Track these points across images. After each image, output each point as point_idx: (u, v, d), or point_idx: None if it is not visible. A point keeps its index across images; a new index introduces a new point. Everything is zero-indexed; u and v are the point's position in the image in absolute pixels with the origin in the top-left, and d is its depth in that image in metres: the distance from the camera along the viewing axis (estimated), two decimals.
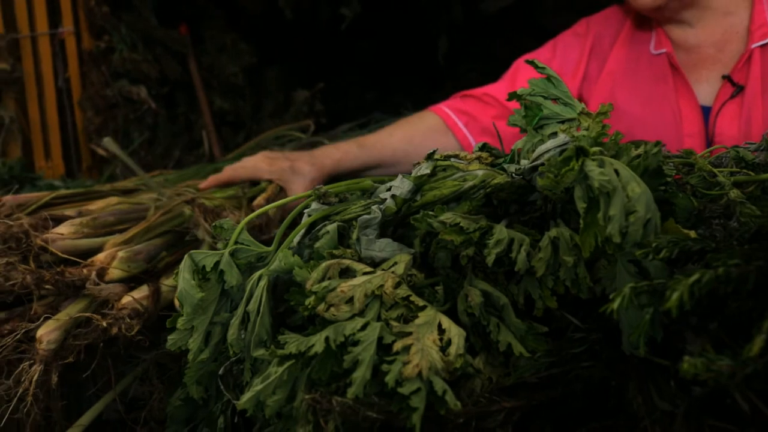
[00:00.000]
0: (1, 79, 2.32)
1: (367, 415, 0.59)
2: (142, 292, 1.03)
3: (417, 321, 0.66)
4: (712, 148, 1.00)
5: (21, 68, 2.43)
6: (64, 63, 2.69)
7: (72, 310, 0.96)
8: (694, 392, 0.61)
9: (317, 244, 0.77)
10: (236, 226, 0.81)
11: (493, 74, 3.48)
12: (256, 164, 1.34)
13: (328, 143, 1.68)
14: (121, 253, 1.07)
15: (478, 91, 1.54)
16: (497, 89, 1.52)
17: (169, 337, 0.77)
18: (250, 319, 0.74)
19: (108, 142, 1.88)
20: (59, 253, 1.04)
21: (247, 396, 0.65)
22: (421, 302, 0.69)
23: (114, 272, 1.05)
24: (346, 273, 0.71)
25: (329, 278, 0.71)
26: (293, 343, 0.66)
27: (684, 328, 0.63)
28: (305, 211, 0.82)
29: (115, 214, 1.19)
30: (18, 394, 0.89)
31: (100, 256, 1.07)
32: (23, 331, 0.92)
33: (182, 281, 0.75)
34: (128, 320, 0.96)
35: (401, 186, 0.79)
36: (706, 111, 1.42)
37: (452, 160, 0.85)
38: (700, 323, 0.63)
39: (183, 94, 2.70)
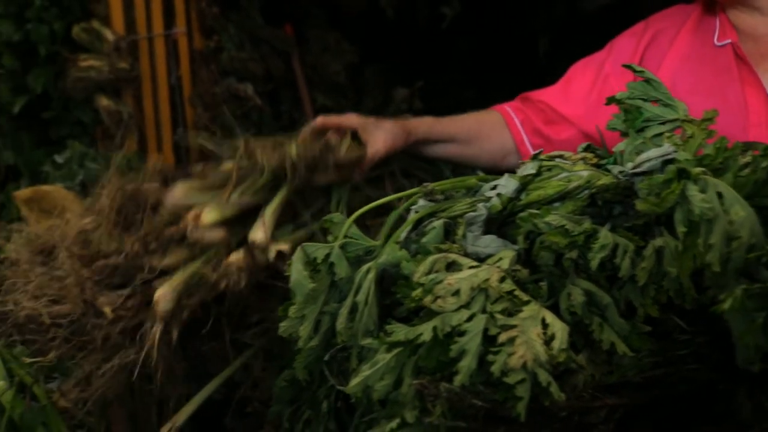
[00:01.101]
0: (121, 77, 2.48)
1: (473, 403, 0.61)
2: (240, 254, 1.10)
3: (521, 314, 0.68)
4: None
5: (138, 67, 2.59)
6: (177, 62, 2.83)
7: (184, 273, 1.03)
8: None
9: (423, 239, 0.80)
10: (346, 221, 0.85)
11: None
12: (347, 115, 1.42)
13: None
14: (213, 203, 1.15)
15: (535, 95, 1.55)
16: (550, 94, 1.52)
17: (281, 324, 0.82)
18: (358, 309, 0.78)
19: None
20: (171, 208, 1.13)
21: (356, 381, 0.69)
22: (525, 297, 0.71)
23: (208, 216, 1.13)
24: (452, 267, 0.74)
25: (436, 271, 0.74)
26: (401, 331, 0.69)
27: None
28: (412, 207, 0.85)
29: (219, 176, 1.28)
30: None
31: (196, 208, 1.15)
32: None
33: (295, 272, 0.79)
34: (235, 276, 1.02)
35: (507, 185, 0.81)
36: None
37: (557, 160, 0.86)
38: None
39: (287, 91, 2.79)
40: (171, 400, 1.14)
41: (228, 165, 1.33)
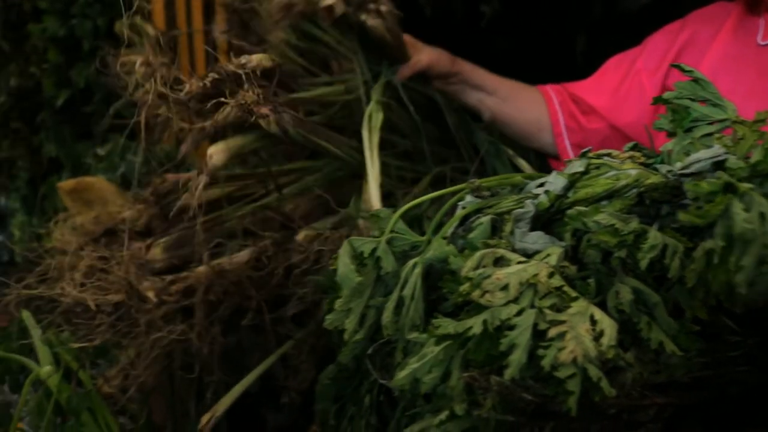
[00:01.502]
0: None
1: (522, 397, 0.62)
2: None
3: (570, 310, 0.68)
4: None
5: (178, 63, 2.62)
6: (216, 60, 2.88)
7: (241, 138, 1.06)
8: None
9: (470, 235, 0.80)
10: (392, 215, 0.85)
11: None
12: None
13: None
14: None
15: (569, 86, 1.54)
16: (582, 86, 1.53)
17: (326, 317, 0.83)
18: (404, 303, 0.78)
19: None
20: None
21: (403, 374, 0.69)
22: (573, 293, 0.71)
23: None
24: (500, 262, 0.74)
25: (483, 267, 0.74)
26: (449, 325, 0.70)
27: None
28: (459, 203, 0.85)
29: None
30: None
31: None
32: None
33: (342, 265, 0.80)
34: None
35: (555, 182, 0.81)
36: None
37: (605, 158, 0.86)
38: None
39: None
40: (209, 390, 1.16)
41: None
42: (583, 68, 3.43)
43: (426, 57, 1.40)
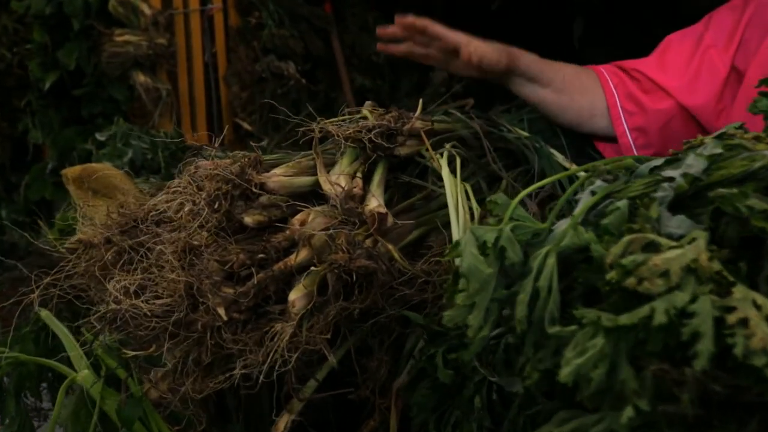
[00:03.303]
0: (159, 53, 2.40)
1: (712, 388, 0.57)
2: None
3: (735, 296, 0.64)
4: None
5: (175, 43, 2.51)
6: (212, 39, 2.76)
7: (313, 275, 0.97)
8: None
9: (605, 221, 0.74)
10: (510, 202, 0.79)
11: (618, 60, 3.35)
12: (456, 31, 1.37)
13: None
14: (315, 209, 1.07)
15: (627, 64, 1.50)
16: (645, 64, 1.47)
17: (445, 314, 0.76)
18: (539, 296, 0.72)
19: None
20: (275, 191, 1.05)
21: (567, 370, 0.63)
22: (731, 277, 0.66)
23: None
24: (650, 248, 0.69)
25: (630, 253, 0.69)
26: (607, 317, 0.64)
27: None
28: (590, 188, 0.79)
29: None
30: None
31: (298, 217, 1.07)
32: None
33: (469, 256, 0.73)
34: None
35: (695, 164, 0.75)
36: None
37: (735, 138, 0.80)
38: None
39: (324, 71, 2.72)
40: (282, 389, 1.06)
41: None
42: (580, 54, 3.42)
43: (486, 51, 1.32)
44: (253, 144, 1.35)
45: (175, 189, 1.23)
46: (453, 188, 1.09)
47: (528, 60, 1.41)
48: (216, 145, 2.53)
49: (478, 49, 1.32)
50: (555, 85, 1.42)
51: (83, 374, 1.14)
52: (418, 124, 1.24)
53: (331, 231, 0.95)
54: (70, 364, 1.23)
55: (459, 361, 0.90)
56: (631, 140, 1.41)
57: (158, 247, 1.01)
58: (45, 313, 1.33)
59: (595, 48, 3.43)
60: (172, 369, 1.03)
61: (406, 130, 1.21)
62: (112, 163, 1.96)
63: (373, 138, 1.14)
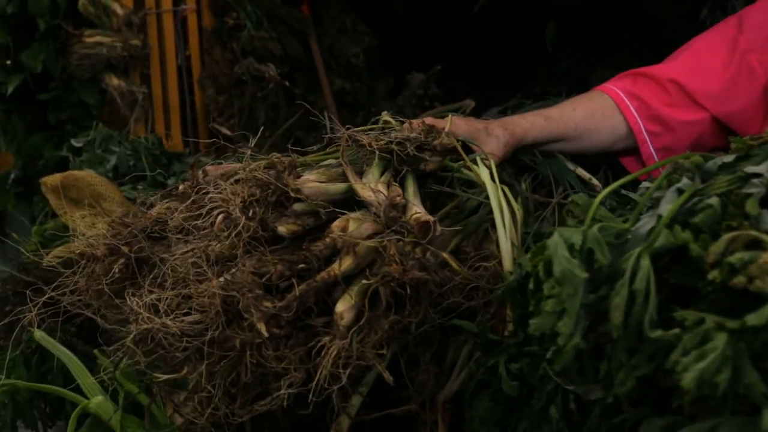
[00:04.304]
0: (133, 54, 2.29)
1: None
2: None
3: None
4: None
5: (149, 45, 2.40)
6: (185, 41, 2.65)
7: (356, 288, 0.91)
8: None
9: (696, 219, 0.71)
10: (592, 202, 0.75)
11: (588, 62, 3.37)
12: (454, 120, 1.29)
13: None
14: (353, 215, 1.01)
15: (656, 71, 1.42)
16: (677, 70, 1.40)
17: (531, 321, 0.71)
18: (635, 299, 0.68)
19: None
20: (311, 197, 0.99)
21: (690, 375, 0.60)
22: None
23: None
24: (752, 246, 0.66)
25: (731, 251, 0.66)
26: (729, 319, 0.61)
27: None
28: (677, 186, 0.76)
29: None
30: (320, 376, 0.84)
31: (337, 223, 1.01)
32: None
33: (561, 260, 0.69)
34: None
35: None
36: None
37: None
38: None
39: (302, 74, 2.65)
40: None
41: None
42: (553, 56, 3.43)
43: (496, 153, 1.27)
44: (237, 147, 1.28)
45: (187, 196, 1.16)
46: (496, 193, 1.05)
47: (535, 131, 1.35)
48: (191, 150, 2.42)
49: (492, 149, 1.27)
50: (570, 137, 1.38)
51: (97, 401, 1.05)
52: (445, 140, 1.20)
53: (383, 241, 0.89)
54: (75, 390, 1.14)
55: (523, 371, 0.86)
56: (657, 160, 1.39)
57: (191, 259, 0.94)
58: (39, 335, 1.23)
59: (568, 51, 3.47)
60: (205, 392, 0.96)
61: (438, 145, 1.17)
62: (93, 170, 1.86)
63: (402, 151, 1.10)
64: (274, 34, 2.49)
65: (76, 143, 1.99)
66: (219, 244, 0.95)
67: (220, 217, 0.96)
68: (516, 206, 1.07)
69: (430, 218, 0.94)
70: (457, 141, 1.23)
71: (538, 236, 1.12)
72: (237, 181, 1.01)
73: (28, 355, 1.35)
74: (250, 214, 0.95)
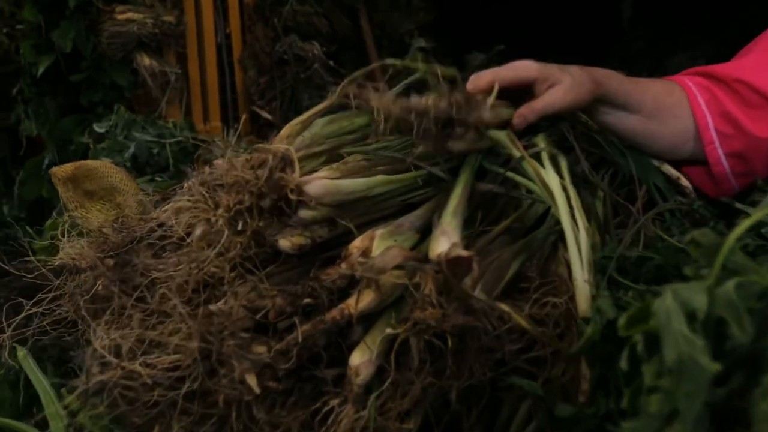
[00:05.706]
0: (166, 32, 2.11)
1: None
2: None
3: None
4: None
5: (185, 22, 2.22)
6: (225, 18, 2.47)
7: (377, 333, 0.68)
8: None
9: None
10: (720, 242, 0.49)
11: (664, 45, 3.05)
12: (524, 61, 1.03)
13: None
14: (379, 232, 0.78)
15: (720, 71, 1.15)
16: (745, 69, 1.14)
17: (625, 426, 0.47)
18: None
19: None
20: (318, 199, 0.76)
21: None
22: None
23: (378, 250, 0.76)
24: None
25: None
26: None
27: None
28: None
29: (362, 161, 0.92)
30: None
31: (356, 243, 0.78)
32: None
33: (678, 341, 0.44)
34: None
35: None
36: None
37: None
38: None
39: (350, 53, 2.43)
40: None
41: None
42: (630, 35, 3.13)
43: (561, 96, 1.00)
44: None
45: (181, 198, 0.95)
46: (565, 203, 0.79)
47: (615, 84, 1.08)
48: (232, 137, 2.21)
49: (548, 105, 1.00)
50: (646, 110, 1.10)
51: None
52: (486, 115, 0.94)
53: (416, 275, 0.65)
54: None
55: None
56: (727, 168, 1.11)
57: (161, 289, 0.72)
58: (22, 354, 1.06)
59: (640, 29, 3.15)
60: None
61: (472, 120, 0.91)
62: (111, 159, 1.68)
63: (425, 124, 0.85)
64: (320, 10, 2.26)
65: (98, 128, 1.81)
66: (198, 267, 0.73)
67: (198, 231, 0.74)
68: (583, 219, 0.80)
69: (464, 254, 0.69)
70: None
71: (621, 261, 0.86)
72: (222, 186, 0.79)
73: (16, 373, 1.19)
74: (239, 227, 0.73)
